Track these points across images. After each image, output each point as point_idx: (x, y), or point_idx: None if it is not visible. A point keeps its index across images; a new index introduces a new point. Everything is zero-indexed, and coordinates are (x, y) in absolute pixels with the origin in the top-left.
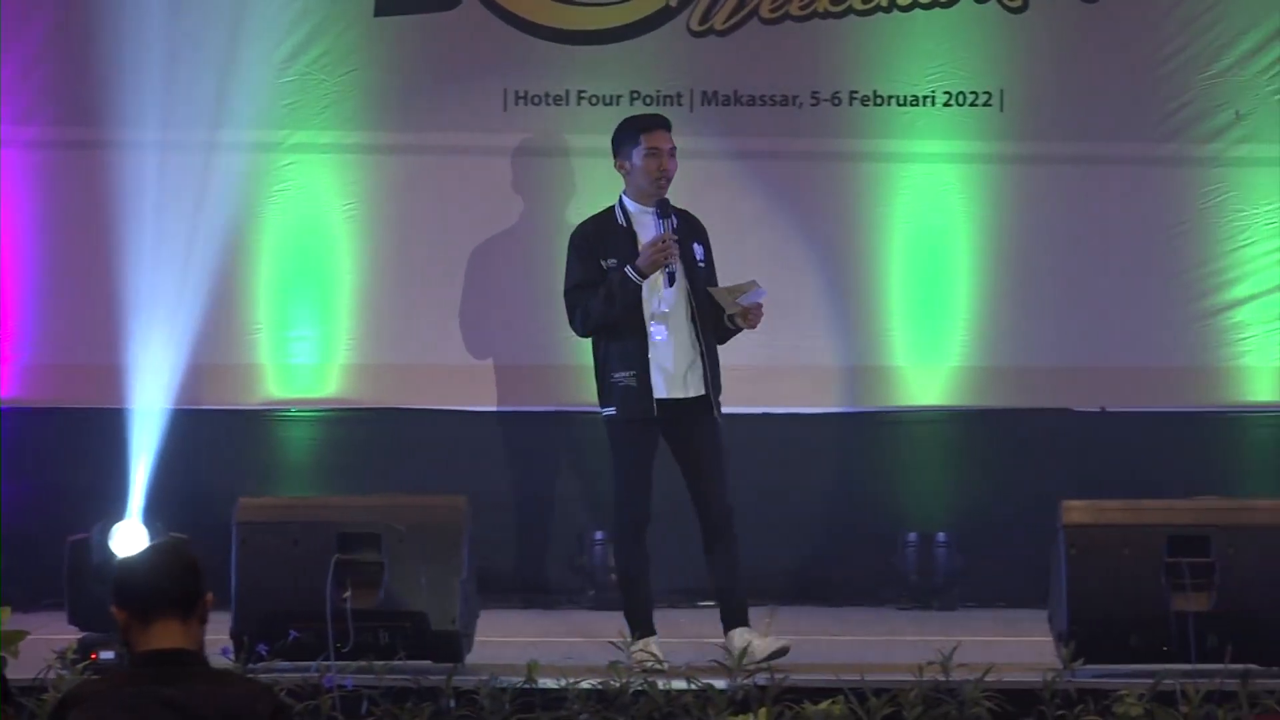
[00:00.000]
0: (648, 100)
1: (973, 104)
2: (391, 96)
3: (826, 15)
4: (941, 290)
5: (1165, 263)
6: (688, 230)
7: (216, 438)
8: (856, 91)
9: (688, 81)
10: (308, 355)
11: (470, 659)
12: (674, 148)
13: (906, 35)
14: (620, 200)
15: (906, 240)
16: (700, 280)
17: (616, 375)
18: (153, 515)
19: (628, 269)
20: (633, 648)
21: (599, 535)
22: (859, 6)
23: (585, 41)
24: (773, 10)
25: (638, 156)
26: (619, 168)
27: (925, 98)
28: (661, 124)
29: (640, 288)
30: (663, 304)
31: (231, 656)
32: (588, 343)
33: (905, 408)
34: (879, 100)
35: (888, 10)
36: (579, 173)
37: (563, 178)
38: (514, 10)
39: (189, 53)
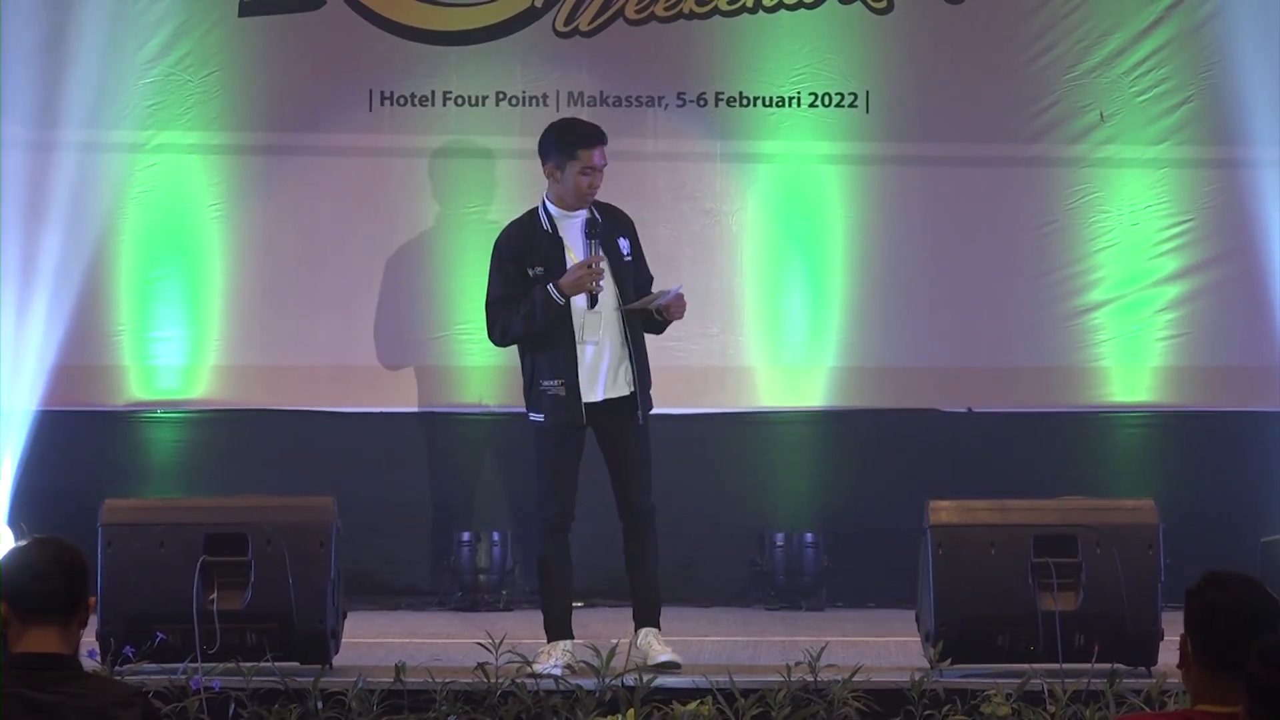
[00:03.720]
0: (514, 101)
1: (838, 105)
2: (257, 97)
3: (692, 16)
4: (808, 292)
5: (1031, 264)
6: (612, 226)
7: (82, 439)
8: (722, 92)
9: (553, 82)
10: (175, 356)
11: (338, 660)
12: (606, 163)
13: (772, 36)
14: (544, 203)
15: (773, 241)
16: (628, 275)
17: (545, 384)
18: (17, 517)
19: (550, 288)
20: (542, 649)
21: (466, 536)
22: (724, 7)
23: (451, 42)
24: (638, 11)
25: (571, 170)
26: (548, 173)
27: (791, 99)
28: (600, 140)
29: (563, 307)
30: (591, 315)
31: (98, 659)
32: (455, 344)
33: (772, 408)
34: (745, 101)
35: (753, 11)
36: (445, 173)
37: (428, 178)
38: (379, 11)
39: (50, 53)
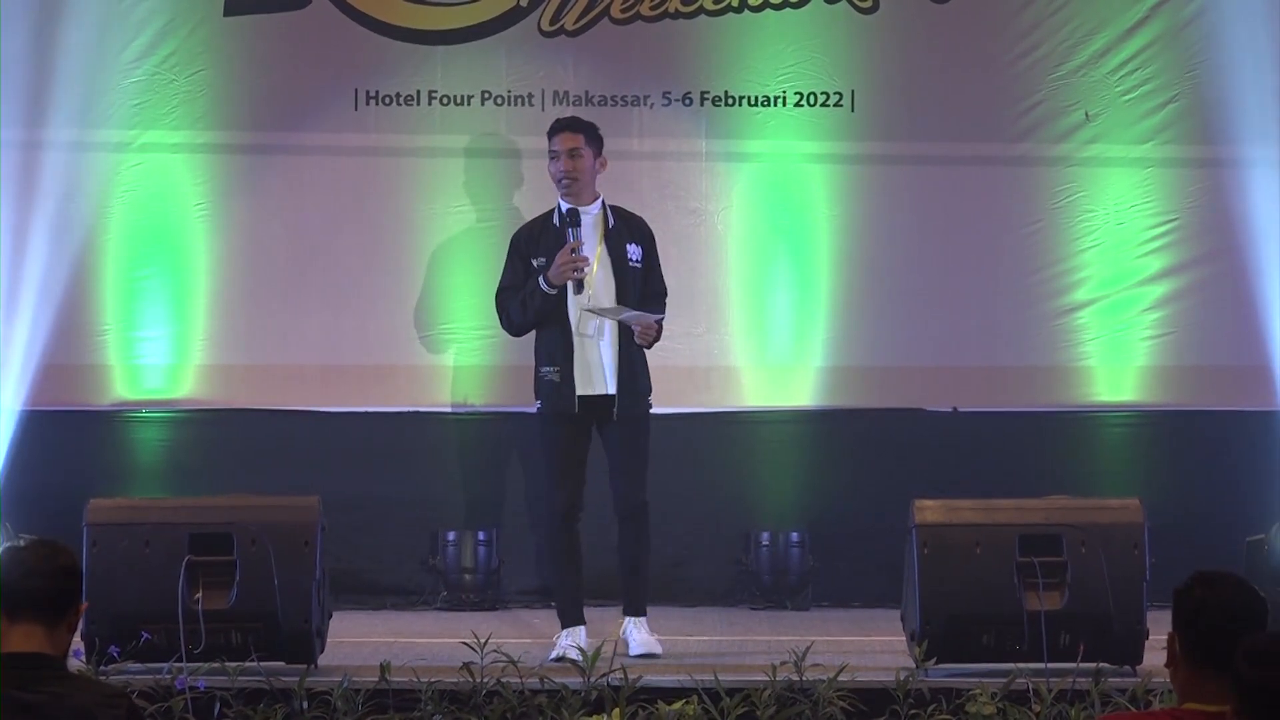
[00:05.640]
0: (499, 101)
1: (824, 104)
2: (242, 96)
3: (678, 15)
4: (793, 291)
5: (1016, 263)
6: (625, 230)
7: (67, 439)
8: (708, 92)
9: (539, 82)
10: (160, 356)
11: (323, 660)
12: (575, 148)
13: (758, 36)
14: (559, 200)
15: (759, 241)
16: (632, 281)
17: (543, 370)
18: (2, 517)
19: (540, 279)
20: (555, 637)
21: (451, 536)
22: (710, 7)
23: (436, 41)
24: (623, 10)
25: (549, 159)
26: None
27: (776, 98)
28: (561, 126)
29: (552, 296)
30: (587, 304)
31: (83, 658)
32: (440, 344)
33: (757, 408)
34: (730, 100)
35: (739, 10)
36: (430, 172)
37: (414, 177)
38: (364, 10)
39: (35, 52)
